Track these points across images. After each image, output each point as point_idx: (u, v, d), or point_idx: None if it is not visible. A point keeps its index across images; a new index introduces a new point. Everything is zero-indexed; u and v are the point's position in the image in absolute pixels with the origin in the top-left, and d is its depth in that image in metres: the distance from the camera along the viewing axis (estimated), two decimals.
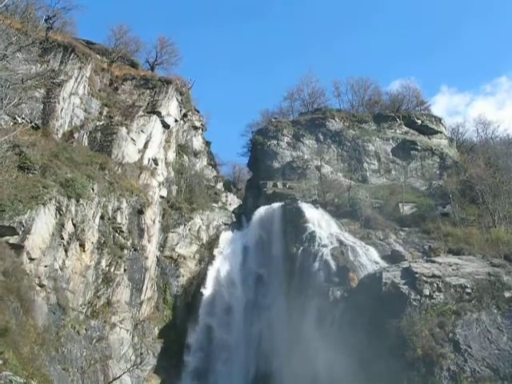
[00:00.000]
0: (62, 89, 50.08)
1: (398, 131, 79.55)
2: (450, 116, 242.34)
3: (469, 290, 38.77)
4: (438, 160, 75.93)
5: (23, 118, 44.62)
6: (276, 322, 49.68)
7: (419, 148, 76.46)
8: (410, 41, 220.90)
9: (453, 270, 41.49)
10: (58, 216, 38.37)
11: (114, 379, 36.21)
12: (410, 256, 49.14)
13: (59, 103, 49.28)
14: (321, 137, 78.14)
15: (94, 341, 40.50)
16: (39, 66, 49.58)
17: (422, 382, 33.88)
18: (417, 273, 40.44)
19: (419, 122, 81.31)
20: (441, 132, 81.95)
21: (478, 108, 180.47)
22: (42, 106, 48.17)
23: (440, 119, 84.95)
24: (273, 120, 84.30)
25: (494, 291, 38.61)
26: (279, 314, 49.78)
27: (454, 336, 35.60)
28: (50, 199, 37.63)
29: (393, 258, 48.79)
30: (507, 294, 38.47)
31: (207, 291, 54.88)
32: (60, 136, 48.68)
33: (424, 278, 39.77)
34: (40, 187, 37.72)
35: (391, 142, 77.44)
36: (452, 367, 33.91)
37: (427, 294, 38.78)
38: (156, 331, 49.89)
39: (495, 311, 37.18)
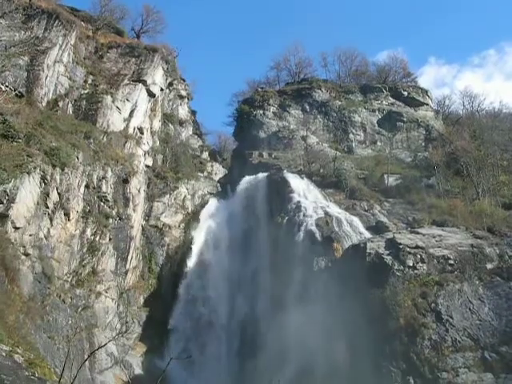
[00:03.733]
0: (46, 56, 49.17)
1: (384, 102, 79.56)
2: (438, 88, 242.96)
3: (452, 262, 39.17)
4: (424, 132, 76.25)
5: (7, 86, 43.90)
6: (260, 292, 50.03)
7: (405, 120, 76.63)
8: (399, 11, 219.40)
9: (436, 241, 41.84)
10: (43, 185, 38.04)
11: (100, 347, 36.42)
12: (394, 227, 49.47)
13: (43, 71, 48.44)
14: (307, 107, 78.04)
15: (80, 309, 40.70)
16: (23, 32, 48.59)
17: (404, 351, 34.44)
18: (401, 244, 40.72)
19: (405, 93, 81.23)
20: (427, 104, 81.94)
21: (466, 80, 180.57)
22: (25, 74, 47.28)
23: (426, 91, 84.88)
24: (259, 90, 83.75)
25: (477, 263, 39.05)
26: (264, 284, 50.09)
27: (436, 306, 36.08)
28: (35, 168, 37.27)
29: (377, 228, 49.16)
30: (489, 266, 38.97)
31: (192, 260, 55.14)
32: (44, 104, 48.04)
33: (408, 249, 40.07)
34: (24, 156, 37.29)
35: (377, 113, 77.51)
36: (434, 337, 34.44)
37: (410, 264, 39.13)
38: (141, 300, 50.15)
39: (477, 282, 37.67)
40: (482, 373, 32.69)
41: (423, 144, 74.88)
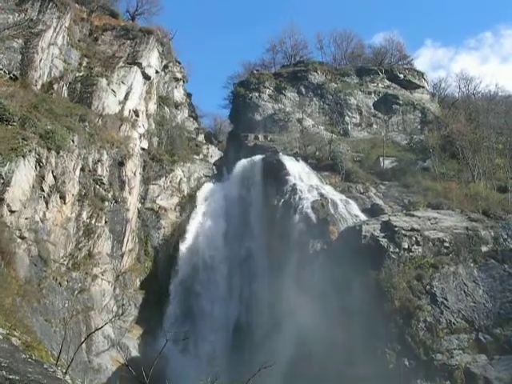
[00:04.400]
0: (40, 39, 48.68)
1: (380, 85, 79.41)
2: (434, 70, 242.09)
3: (447, 244, 39.35)
4: (420, 115, 76.19)
5: (1, 69, 43.72)
6: (256, 274, 50.20)
7: (401, 102, 76.52)
8: None
9: (431, 223, 42.00)
10: (38, 168, 37.86)
11: (96, 330, 36.46)
12: (389, 209, 49.56)
13: (38, 54, 47.98)
14: (303, 89, 77.79)
15: (76, 292, 40.69)
16: (17, 15, 48.19)
17: (399, 333, 34.68)
18: (396, 226, 40.85)
19: (402, 76, 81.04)
20: (423, 87, 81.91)
21: (462, 63, 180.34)
22: (20, 57, 46.79)
23: (422, 74, 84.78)
24: (255, 72, 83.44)
25: (472, 245, 39.26)
26: (260, 266, 50.27)
27: (431, 288, 36.31)
28: (30, 151, 37.06)
29: (373, 211, 49.18)
30: (484, 249, 39.20)
31: (188, 243, 55.12)
32: (39, 87, 47.67)
33: (403, 232, 40.22)
34: (19, 139, 37.05)
35: (373, 95, 77.37)
36: (428, 319, 34.69)
37: (406, 247, 39.31)
38: (137, 283, 50.28)
39: (472, 265, 37.91)
40: (476, 354, 33.01)
41: (419, 127, 74.90)
